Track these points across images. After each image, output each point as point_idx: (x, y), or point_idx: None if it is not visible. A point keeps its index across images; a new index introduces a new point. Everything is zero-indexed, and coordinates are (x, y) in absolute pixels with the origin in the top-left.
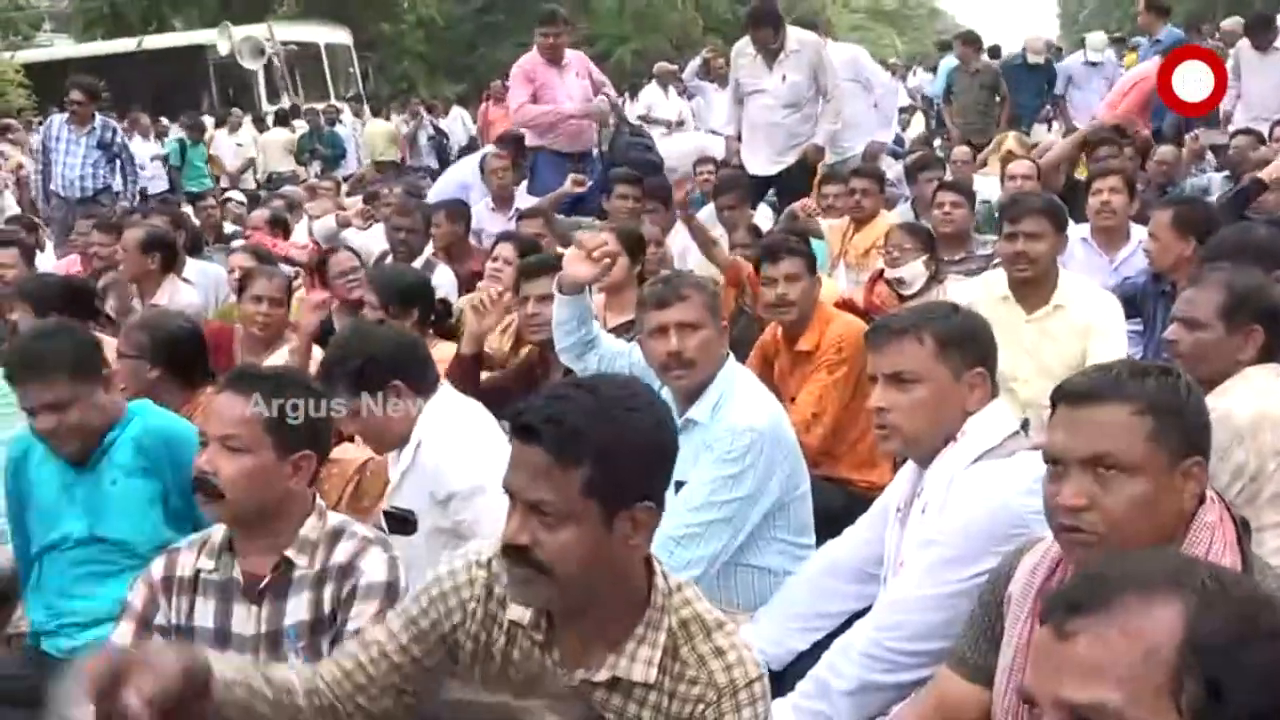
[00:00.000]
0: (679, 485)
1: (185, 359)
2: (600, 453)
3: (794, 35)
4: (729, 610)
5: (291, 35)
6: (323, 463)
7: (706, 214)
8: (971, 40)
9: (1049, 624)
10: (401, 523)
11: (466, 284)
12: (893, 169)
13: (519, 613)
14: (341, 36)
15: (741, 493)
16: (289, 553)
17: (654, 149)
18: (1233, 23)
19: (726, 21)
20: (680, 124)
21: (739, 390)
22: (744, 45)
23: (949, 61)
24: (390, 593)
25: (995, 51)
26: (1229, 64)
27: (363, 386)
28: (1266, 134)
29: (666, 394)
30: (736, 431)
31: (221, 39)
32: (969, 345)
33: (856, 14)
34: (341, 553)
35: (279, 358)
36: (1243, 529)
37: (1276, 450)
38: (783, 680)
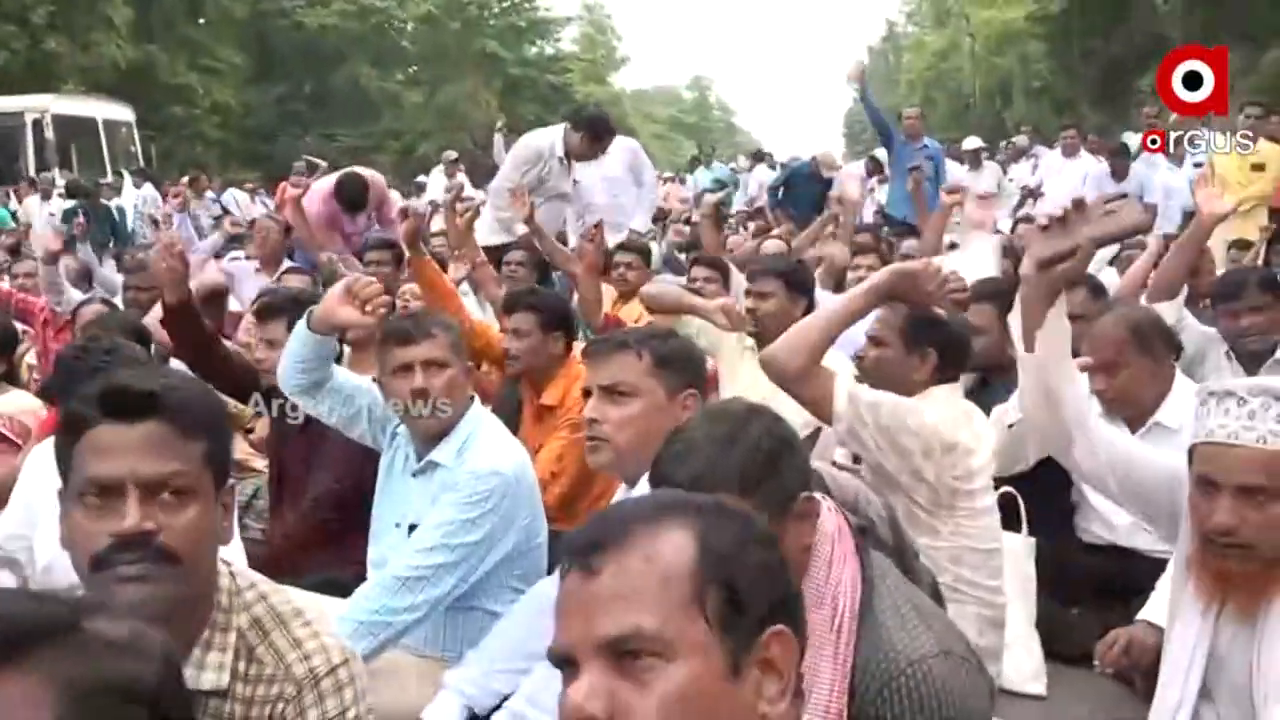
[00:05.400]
0: (412, 528)
1: None
2: (212, 426)
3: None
4: (452, 655)
5: (68, 109)
6: None
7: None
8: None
9: (573, 568)
10: None
11: None
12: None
13: None
14: (123, 114)
15: (475, 537)
16: None
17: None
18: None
19: (530, 122)
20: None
21: (484, 434)
22: (554, 149)
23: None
24: None
25: (759, 155)
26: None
27: None
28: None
29: (405, 435)
30: (480, 475)
31: None
32: (684, 366)
33: (658, 124)
34: None
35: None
36: (861, 534)
37: (950, 467)
38: None
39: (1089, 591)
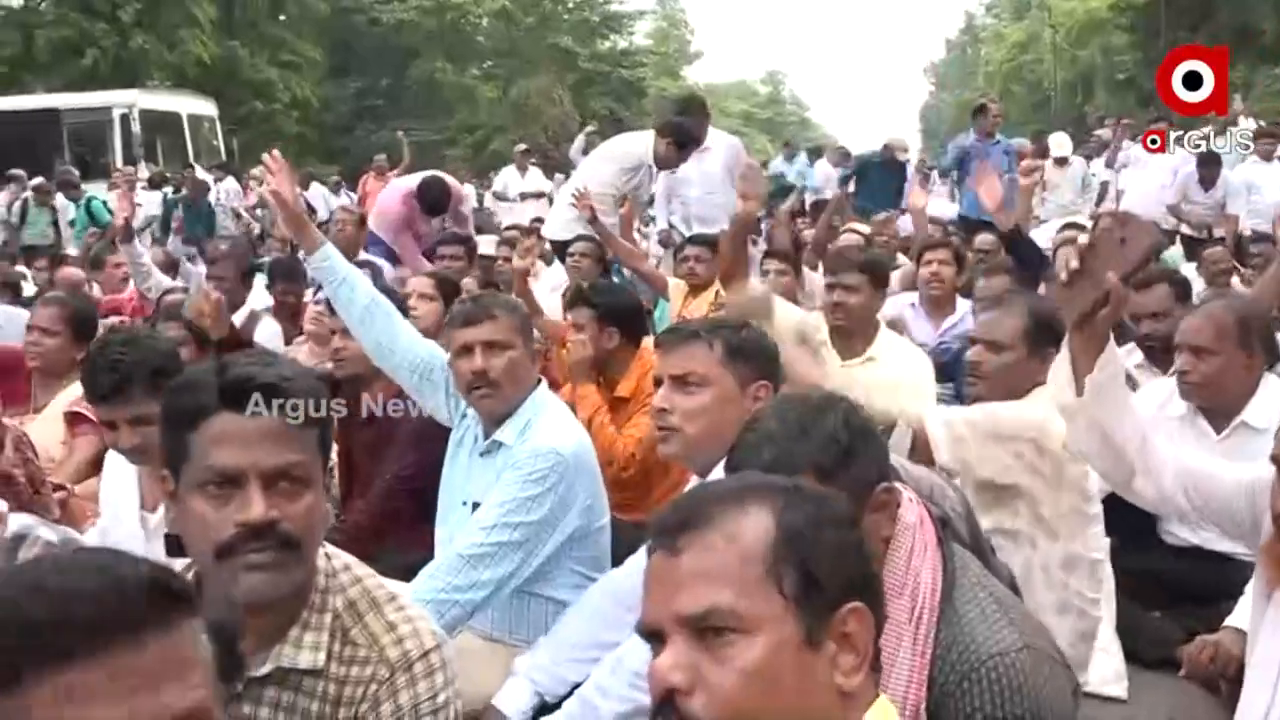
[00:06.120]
0: (475, 506)
1: None
2: (323, 414)
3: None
4: (519, 640)
5: (153, 104)
6: None
7: None
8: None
9: (660, 548)
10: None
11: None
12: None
13: None
14: (206, 108)
15: (537, 516)
16: None
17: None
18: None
19: (602, 117)
20: (540, 195)
21: (547, 415)
22: (647, 156)
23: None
24: None
25: (818, 151)
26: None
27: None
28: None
29: (474, 414)
30: (540, 453)
31: None
32: (756, 358)
33: (731, 118)
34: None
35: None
36: (942, 526)
37: (1071, 460)
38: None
39: (1171, 595)
